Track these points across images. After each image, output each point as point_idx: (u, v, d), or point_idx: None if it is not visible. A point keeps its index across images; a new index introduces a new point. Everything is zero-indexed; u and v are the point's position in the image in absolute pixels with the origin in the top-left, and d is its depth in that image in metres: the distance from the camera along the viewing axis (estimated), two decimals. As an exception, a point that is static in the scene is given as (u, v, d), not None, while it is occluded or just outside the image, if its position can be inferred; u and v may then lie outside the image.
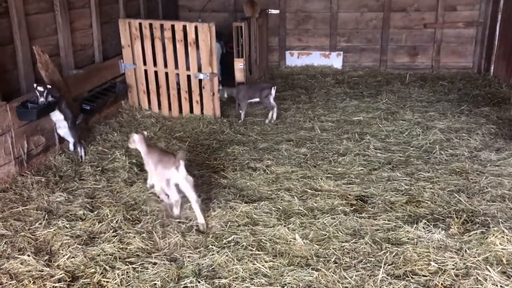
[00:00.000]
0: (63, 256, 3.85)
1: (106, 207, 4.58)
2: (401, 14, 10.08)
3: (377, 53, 10.35)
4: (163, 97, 7.44)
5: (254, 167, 5.52)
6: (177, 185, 4.28)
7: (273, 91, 7.02)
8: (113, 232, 4.20)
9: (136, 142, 4.68)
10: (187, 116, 7.29)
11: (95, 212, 4.51)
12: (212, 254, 3.86)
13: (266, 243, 4.03)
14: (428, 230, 4.11)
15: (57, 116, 5.54)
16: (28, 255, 3.81)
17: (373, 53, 10.39)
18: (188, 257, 3.86)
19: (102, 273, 3.66)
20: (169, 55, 7.17)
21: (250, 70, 8.16)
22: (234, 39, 7.43)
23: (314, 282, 3.54)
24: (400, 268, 3.68)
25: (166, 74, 7.33)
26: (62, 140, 5.86)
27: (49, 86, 5.26)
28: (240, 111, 7.24)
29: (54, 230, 4.20)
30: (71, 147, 5.88)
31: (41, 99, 5.17)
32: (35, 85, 5.24)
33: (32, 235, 4.17)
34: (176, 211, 4.44)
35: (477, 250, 3.84)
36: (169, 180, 4.28)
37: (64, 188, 5.01)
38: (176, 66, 7.22)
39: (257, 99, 7.17)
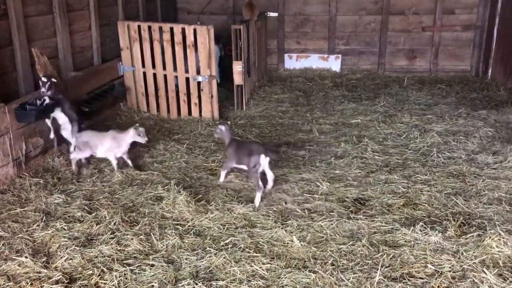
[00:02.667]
0: (61, 258, 3.85)
1: (104, 209, 4.59)
2: (399, 18, 10.11)
3: (376, 56, 10.38)
4: (161, 99, 7.46)
5: (252, 170, 5.53)
6: None
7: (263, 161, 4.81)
8: (111, 234, 4.20)
9: None
10: (185, 118, 7.31)
11: (93, 214, 4.51)
12: (210, 256, 3.87)
13: (264, 245, 4.04)
14: (425, 233, 4.12)
15: (62, 119, 5.55)
16: (26, 257, 3.81)
17: (372, 56, 10.41)
18: (186, 259, 3.86)
19: (99, 274, 3.66)
20: (168, 58, 7.19)
21: (249, 72, 8.18)
22: (232, 42, 7.44)
23: (312, 284, 3.55)
24: (397, 271, 3.69)
25: (165, 76, 7.35)
26: (60, 142, 5.85)
27: (54, 80, 5.30)
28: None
29: (52, 232, 4.20)
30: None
31: (42, 89, 5.28)
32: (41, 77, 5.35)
33: (30, 236, 4.17)
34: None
35: (473, 252, 3.86)
36: None
37: (62, 190, 5.02)
38: (175, 69, 7.24)
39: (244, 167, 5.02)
